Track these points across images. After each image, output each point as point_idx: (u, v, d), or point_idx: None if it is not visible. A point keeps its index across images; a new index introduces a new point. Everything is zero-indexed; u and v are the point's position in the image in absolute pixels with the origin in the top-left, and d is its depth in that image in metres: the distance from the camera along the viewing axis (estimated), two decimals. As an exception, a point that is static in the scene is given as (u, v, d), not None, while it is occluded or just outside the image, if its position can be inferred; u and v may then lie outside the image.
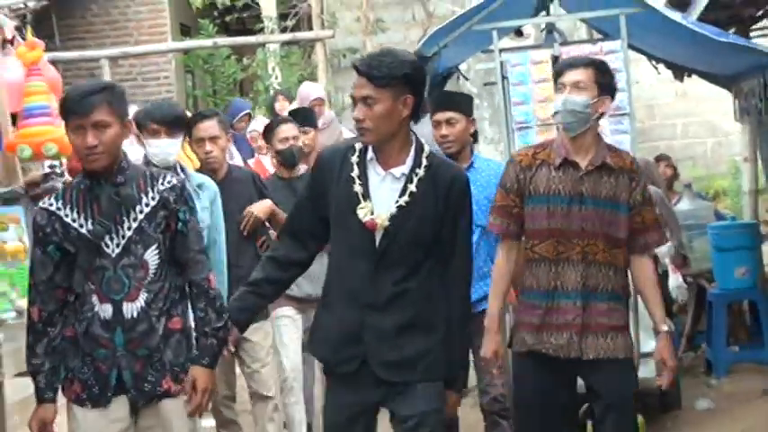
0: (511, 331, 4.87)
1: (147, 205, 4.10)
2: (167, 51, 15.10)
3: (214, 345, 4.19)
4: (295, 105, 9.11)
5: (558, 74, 4.69)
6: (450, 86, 10.06)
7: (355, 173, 4.06)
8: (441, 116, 5.58)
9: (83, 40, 15.12)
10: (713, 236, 8.59)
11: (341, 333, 4.11)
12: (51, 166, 5.78)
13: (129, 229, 4.05)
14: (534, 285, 4.60)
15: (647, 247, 4.69)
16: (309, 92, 9.19)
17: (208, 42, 14.47)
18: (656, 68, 9.96)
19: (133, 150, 5.79)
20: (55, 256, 4.05)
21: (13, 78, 5.33)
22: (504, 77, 7.72)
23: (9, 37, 5.53)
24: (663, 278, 7.24)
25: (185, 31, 16.16)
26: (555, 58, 6.93)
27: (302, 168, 6.77)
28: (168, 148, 5.34)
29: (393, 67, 3.95)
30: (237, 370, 6.23)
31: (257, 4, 15.40)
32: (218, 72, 15.66)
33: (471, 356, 4.86)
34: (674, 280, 7.66)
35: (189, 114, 6.96)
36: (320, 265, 4.45)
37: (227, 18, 15.72)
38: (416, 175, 4.03)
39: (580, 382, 4.79)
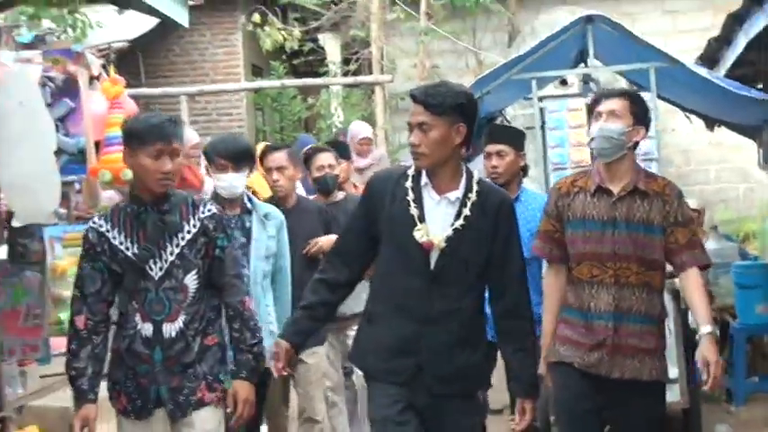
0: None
1: (188, 232, 4.12)
2: (240, 90, 15.06)
3: (250, 359, 4.23)
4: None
5: (594, 103, 4.57)
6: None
7: (411, 197, 4.03)
8: (492, 148, 5.53)
9: (165, 77, 15.23)
10: (736, 274, 8.55)
11: (393, 345, 4.07)
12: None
13: (171, 254, 4.07)
14: (577, 304, 4.48)
15: (689, 263, 4.41)
16: (359, 131, 9.18)
17: (276, 83, 14.41)
18: (689, 118, 9.97)
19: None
20: (103, 271, 4.07)
21: (97, 110, 5.43)
22: (543, 122, 7.91)
23: (95, 74, 5.63)
24: (684, 313, 7.30)
25: (257, 71, 16.26)
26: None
27: (338, 195, 6.75)
28: (235, 182, 5.28)
29: (448, 97, 3.96)
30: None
31: (323, 49, 15.69)
32: (286, 110, 15.87)
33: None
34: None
35: (258, 147, 7.17)
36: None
37: (295, 61, 15.76)
38: (469, 200, 4.03)
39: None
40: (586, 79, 8.57)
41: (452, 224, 4.00)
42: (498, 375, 4.91)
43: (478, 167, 5.30)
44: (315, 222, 6.18)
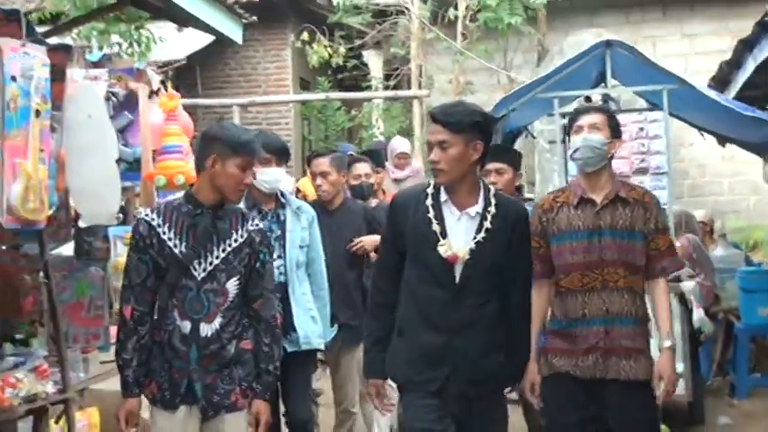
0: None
1: (235, 240, 4.04)
2: (288, 102, 15.07)
3: (271, 382, 4.18)
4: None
5: (573, 118, 4.48)
6: (520, 143, 10.28)
7: (432, 214, 3.98)
8: (491, 166, 5.47)
9: (220, 89, 15.21)
10: (741, 279, 8.63)
11: (424, 355, 4.00)
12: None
13: (216, 258, 3.99)
14: (563, 315, 4.36)
15: (664, 272, 4.40)
16: (397, 146, 9.17)
17: (322, 96, 14.46)
18: (702, 135, 9.95)
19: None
20: (148, 263, 3.98)
21: (155, 122, 5.42)
22: (564, 137, 7.97)
23: (155, 89, 5.64)
24: (689, 313, 7.35)
25: (304, 85, 16.21)
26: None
27: (373, 202, 6.75)
28: (278, 176, 5.20)
29: (465, 116, 3.92)
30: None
31: (366, 65, 15.65)
32: (330, 121, 15.84)
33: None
34: (697, 314, 7.60)
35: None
36: None
37: (340, 76, 15.69)
38: (489, 213, 3.97)
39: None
40: (606, 98, 8.61)
41: (475, 237, 3.96)
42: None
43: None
44: (359, 222, 6.12)
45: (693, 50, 14.90)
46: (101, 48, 12.00)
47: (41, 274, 5.12)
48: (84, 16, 10.29)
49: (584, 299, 4.30)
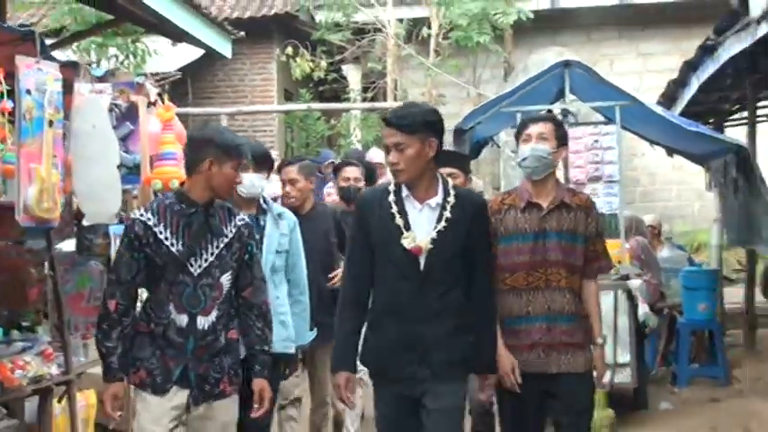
0: None
1: (227, 236, 3.98)
2: (273, 111, 15.17)
3: (267, 360, 4.12)
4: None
5: (522, 127, 4.37)
6: (486, 152, 10.42)
7: (395, 209, 3.91)
8: (443, 170, 5.06)
9: (209, 99, 15.22)
10: (683, 278, 8.80)
11: (396, 344, 3.92)
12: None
13: (211, 254, 3.92)
14: (507, 313, 4.24)
15: (598, 272, 4.39)
16: (373, 156, 8.97)
17: (304, 106, 14.56)
18: (653, 147, 10.07)
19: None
20: (140, 261, 3.87)
21: (153, 131, 5.49)
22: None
23: (153, 100, 5.69)
24: (635, 308, 7.53)
25: (288, 96, 16.21)
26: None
27: None
28: (255, 182, 4.95)
29: (417, 116, 3.86)
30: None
31: (345, 78, 15.68)
32: (311, 129, 15.80)
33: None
34: (642, 309, 7.67)
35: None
36: None
37: (321, 88, 15.71)
38: (449, 203, 3.91)
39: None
40: (565, 112, 8.75)
41: (435, 227, 3.89)
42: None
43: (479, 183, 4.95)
44: (329, 223, 6.03)
45: (647, 68, 15.12)
46: (99, 60, 12.19)
47: (46, 267, 5.20)
48: (86, 31, 10.41)
49: (528, 297, 4.25)
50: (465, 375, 4.06)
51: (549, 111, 9.82)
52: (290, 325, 5.05)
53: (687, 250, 11.20)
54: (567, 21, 15.25)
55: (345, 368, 4.00)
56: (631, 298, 7.43)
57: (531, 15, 13.89)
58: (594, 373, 4.34)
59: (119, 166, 5.13)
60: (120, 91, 5.36)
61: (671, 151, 9.92)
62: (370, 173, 7.22)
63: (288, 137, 16.33)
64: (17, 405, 4.74)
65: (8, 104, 4.47)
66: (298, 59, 14.33)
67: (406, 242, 3.87)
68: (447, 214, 3.91)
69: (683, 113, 9.24)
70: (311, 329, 5.37)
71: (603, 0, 15.14)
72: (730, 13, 6.67)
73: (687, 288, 8.73)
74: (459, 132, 8.40)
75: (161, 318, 3.90)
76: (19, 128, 4.26)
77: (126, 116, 5.44)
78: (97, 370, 5.59)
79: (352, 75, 15.97)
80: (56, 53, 5.60)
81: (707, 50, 7.55)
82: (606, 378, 4.45)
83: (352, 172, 6.69)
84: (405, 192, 3.95)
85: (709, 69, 7.69)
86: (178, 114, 6.28)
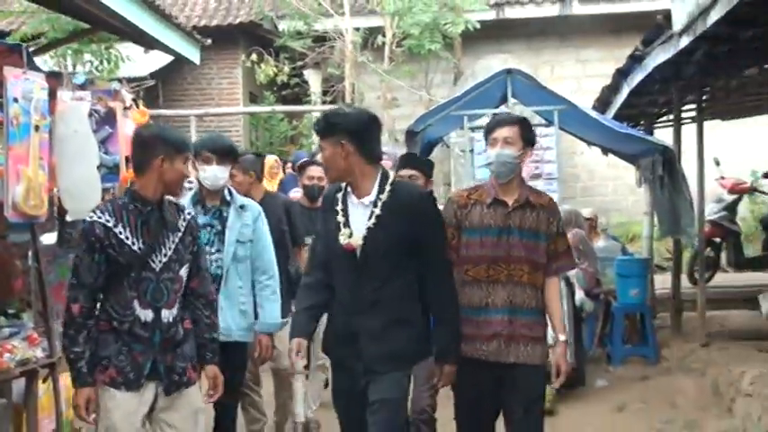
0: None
1: (180, 231, 3.88)
2: (238, 113, 15.27)
3: (216, 347, 4.05)
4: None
5: (489, 129, 4.28)
6: (437, 151, 10.54)
7: (339, 206, 3.90)
8: (404, 172, 5.09)
9: (179, 101, 15.28)
10: (617, 266, 8.98)
11: (341, 335, 3.94)
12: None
13: (170, 249, 3.81)
14: (467, 303, 4.16)
15: (560, 270, 4.32)
16: None
17: (268, 108, 14.76)
18: (590, 147, 10.25)
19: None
20: (101, 264, 3.69)
21: (128, 133, 5.46)
22: (472, 147, 8.31)
23: (128, 105, 5.74)
24: (573, 294, 7.68)
25: (253, 98, 16.31)
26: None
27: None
28: (218, 174, 4.86)
29: (326, 121, 3.83)
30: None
31: (306, 82, 15.79)
32: (275, 129, 15.98)
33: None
34: (579, 294, 7.93)
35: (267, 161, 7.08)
36: None
37: (284, 91, 15.78)
38: (380, 201, 3.82)
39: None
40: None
41: (366, 224, 3.83)
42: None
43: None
44: (279, 211, 5.93)
45: (585, 74, 15.26)
46: (75, 65, 12.17)
47: (30, 259, 5.23)
48: (63, 39, 10.40)
49: (488, 289, 4.17)
50: (405, 368, 3.93)
51: (495, 114, 10.00)
52: (249, 314, 4.96)
53: (621, 241, 11.40)
54: (512, 30, 15.38)
55: (298, 335, 3.97)
56: (570, 285, 7.63)
57: (478, 25, 14.03)
58: (554, 369, 4.22)
59: (99, 167, 5.21)
60: (98, 98, 5.44)
61: (605, 150, 10.10)
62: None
63: (253, 136, 16.38)
64: (5, 386, 4.77)
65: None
66: (262, 65, 14.44)
67: (342, 238, 3.84)
68: (377, 211, 3.82)
69: (616, 116, 9.47)
70: (284, 317, 5.22)
71: (545, 11, 15.31)
72: (656, 27, 6.89)
73: (620, 275, 8.90)
74: (411, 134, 8.51)
75: (125, 315, 3.75)
76: (7, 133, 4.35)
77: (105, 120, 5.51)
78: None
79: (313, 79, 16.08)
80: (35, 59, 5.66)
81: (636, 59, 7.77)
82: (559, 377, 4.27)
83: (316, 171, 6.58)
84: (349, 189, 3.92)
85: (638, 76, 7.91)
86: (150, 116, 6.33)
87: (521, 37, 15.60)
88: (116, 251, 3.69)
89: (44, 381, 5.10)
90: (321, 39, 14.85)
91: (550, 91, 8.17)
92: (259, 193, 5.89)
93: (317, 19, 14.86)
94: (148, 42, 9.67)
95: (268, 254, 5.07)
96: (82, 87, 5.36)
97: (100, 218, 3.72)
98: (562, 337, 4.26)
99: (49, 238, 5.73)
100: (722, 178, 11.47)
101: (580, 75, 15.37)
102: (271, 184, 8.92)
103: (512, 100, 8.38)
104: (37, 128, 4.43)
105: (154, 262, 3.77)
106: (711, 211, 10.79)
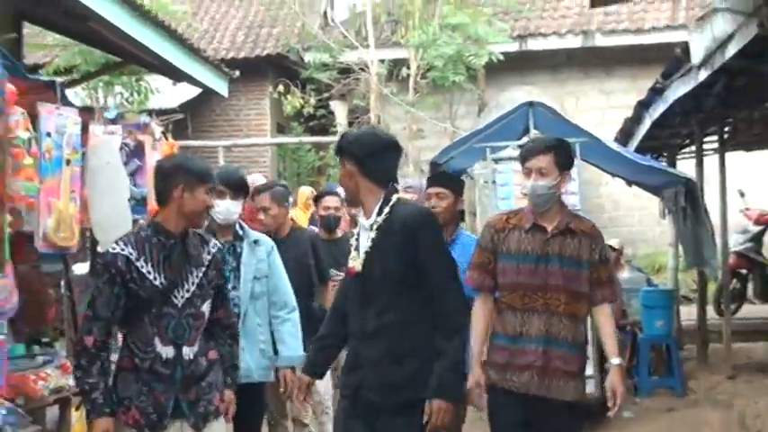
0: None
1: (204, 265, 3.73)
2: (266, 144, 15.39)
3: (237, 374, 3.96)
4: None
5: (524, 159, 4.07)
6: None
7: (357, 230, 3.86)
8: (432, 190, 4.99)
9: (207, 132, 15.36)
10: (643, 297, 8.98)
11: (347, 362, 3.84)
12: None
13: (193, 284, 3.67)
14: (502, 330, 4.02)
15: (603, 299, 4.03)
16: None
17: (295, 139, 14.89)
18: (613, 177, 10.21)
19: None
20: (120, 297, 3.54)
21: None
22: (495, 178, 8.34)
23: (157, 138, 5.84)
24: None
25: (280, 129, 16.37)
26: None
27: (339, 232, 6.46)
28: (231, 208, 4.68)
29: (338, 142, 3.83)
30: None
31: (332, 113, 15.84)
32: (302, 160, 16.01)
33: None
34: None
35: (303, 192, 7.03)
36: None
37: (311, 123, 15.88)
38: (376, 224, 3.68)
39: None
40: (530, 148, 8.87)
41: (365, 248, 3.72)
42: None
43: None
44: (305, 245, 5.85)
45: (609, 105, 15.26)
46: (106, 96, 12.40)
47: (62, 288, 5.35)
48: (95, 72, 10.61)
49: (523, 317, 3.97)
50: (411, 401, 3.62)
51: (521, 146, 10.03)
52: (269, 352, 4.82)
53: (646, 272, 11.38)
54: (535, 62, 15.46)
55: (307, 371, 3.96)
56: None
57: (502, 57, 14.15)
58: (609, 393, 3.99)
59: (129, 199, 5.33)
60: (128, 131, 5.57)
61: (629, 182, 10.11)
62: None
63: (280, 167, 16.46)
64: (39, 414, 4.84)
65: (36, 149, 4.59)
66: (289, 96, 14.61)
67: (351, 262, 3.79)
68: (372, 235, 3.68)
69: (639, 148, 9.49)
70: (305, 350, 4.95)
71: (568, 43, 15.40)
72: (675, 60, 6.95)
73: (646, 306, 8.90)
74: (435, 165, 8.55)
75: (147, 352, 3.61)
76: (40, 166, 4.47)
77: (134, 153, 5.65)
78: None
79: (339, 110, 16.10)
80: (67, 91, 5.80)
81: (656, 92, 7.83)
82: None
83: (332, 201, 6.46)
84: (362, 213, 3.85)
85: (659, 109, 7.96)
86: (179, 148, 6.43)
87: (545, 68, 15.66)
88: (137, 285, 3.56)
89: (77, 408, 5.13)
90: (346, 70, 15.02)
91: (572, 123, 8.20)
92: (287, 227, 5.84)
93: (342, 51, 15.06)
94: (177, 75, 9.85)
95: (284, 287, 4.91)
96: (113, 122, 5.48)
97: (123, 250, 3.58)
98: (616, 361, 4.02)
99: (81, 268, 5.90)
100: (747, 209, 11.43)
101: (605, 106, 15.39)
102: (305, 216, 8.89)
103: (533, 132, 8.40)
104: (68, 161, 4.57)
105: (176, 297, 3.63)
106: (737, 242, 10.77)
